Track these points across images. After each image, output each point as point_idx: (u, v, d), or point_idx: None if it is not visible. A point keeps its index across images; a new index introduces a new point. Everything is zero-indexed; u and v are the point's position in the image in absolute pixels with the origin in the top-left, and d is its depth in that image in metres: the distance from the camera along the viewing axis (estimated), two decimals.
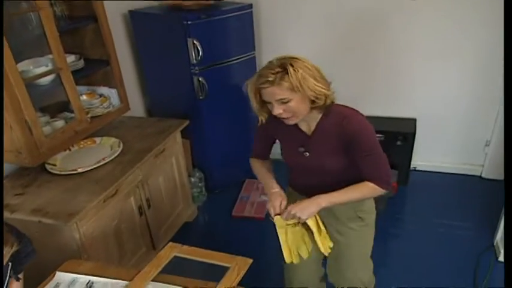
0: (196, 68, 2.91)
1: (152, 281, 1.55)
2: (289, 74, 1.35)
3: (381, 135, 3.19)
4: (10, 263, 1.29)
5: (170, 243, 1.76)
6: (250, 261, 1.55)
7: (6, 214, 1.93)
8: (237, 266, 1.53)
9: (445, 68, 3.14)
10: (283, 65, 1.36)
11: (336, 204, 1.54)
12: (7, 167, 2.27)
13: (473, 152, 3.38)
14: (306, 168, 1.63)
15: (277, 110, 1.42)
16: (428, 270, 2.55)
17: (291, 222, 1.54)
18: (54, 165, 2.30)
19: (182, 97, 3.11)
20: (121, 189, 2.25)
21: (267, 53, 3.48)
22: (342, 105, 1.54)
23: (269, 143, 1.74)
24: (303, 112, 1.45)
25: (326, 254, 1.62)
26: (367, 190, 1.53)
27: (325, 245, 1.59)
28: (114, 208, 2.23)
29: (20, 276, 1.45)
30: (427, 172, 3.55)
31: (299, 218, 1.50)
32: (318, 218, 1.56)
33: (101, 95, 2.55)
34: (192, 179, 3.25)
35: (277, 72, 1.36)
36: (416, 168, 3.55)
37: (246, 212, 3.20)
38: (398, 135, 3.17)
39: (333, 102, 1.48)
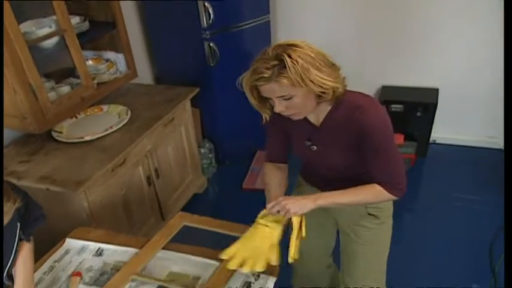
0: (207, 32, 2.88)
1: (162, 249, 1.58)
2: (287, 68, 1.19)
3: (400, 106, 3.16)
4: (19, 224, 1.33)
5: (180, 212, 1.78)
6: None
7: (13, 181, 1.97)
8: None
9: (469, 34, 3.07)
10: (279, 57, 1.20)
11: (338, 205, 1.44)
12: (11, 134, 2.30)
13: (495, 124, 3.33)
14: (314, 161, 1.54)
15: (279, 108, 1.29)
16: (443, 246, 2.56)
17: (265, 221, 1.40)
18: (61, 132, 2.33)
19: (192, 64, 3.09)
20: (129, 158, 2.28)
21: (282, 16, 3.44)
22: (357, 93, 1.38)
23: (282, 139, 1.55)
24: (309, 108, 1.31)
25: (275, 263, 1.34)
26: (373, 194, 1.39)
27: (292, 252, 1.37)
28: (122, 177, 2.26)
29: (30, 238, 1.49)
30: (447, 145, 3.53)
31: (285, 213, 1.36)
32: (303, 220, 1.40)
33: (107, 60, 2.55)
34: (202, 150, 3.27)
35: (274, 66, 1.20)
36: (436, 141, 3.53)
37: (257, 185, 3.22)
38: (419, 106, 3.14)
39: (344, 91, 1.32)
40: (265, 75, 1.21)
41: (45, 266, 1.56)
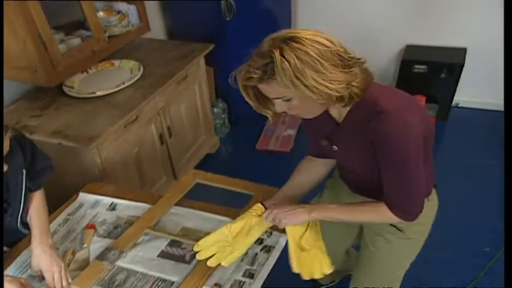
0: None
1: (175, 205, 1.63)
2: (276, 69, 1.05)
3: (423, 67, 3.12)
4: (24, 170, 1.38)
5: (193, 169, 1.83)
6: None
7: (25, 134, 2.03)
8: (262, 195, 1.58)
9: None
10: (271, 54, 1.05)
11: (337, 220, 1.31)
12: (22, 87, 2.35)
13: None
14: (338, 162, 1.44)
15: (279, 108, 1.17)
16: (456, 211, 2.57)
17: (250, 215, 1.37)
18: (72, 87, 2.37)
19: (207, 18, 3.06)
20: (141, 115, 2.31)
21: None
22: (385, 89, 1.21)
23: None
24: (315, 110, 1.18)
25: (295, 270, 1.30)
26: (378, 215, 1.26)
27: (295, 264, 1.30)
28: (134, 135, 2.30)
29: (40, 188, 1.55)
30: (470, 109, 3.50)
31: (278, 223, 1.31)
32: (300, 230, 1.33)
33: (118, 12, 2.55)
34: (215, 110, 3.29)
35: (265, 65, 1.06)
36: (459, 105, 3.49)
37: (271, 146, 3.25)
38: (444, 67, 3.10)
39: (361, 91, 1.13)
40: (254, 76, 1.08)
41: (59, 219, 1.63)
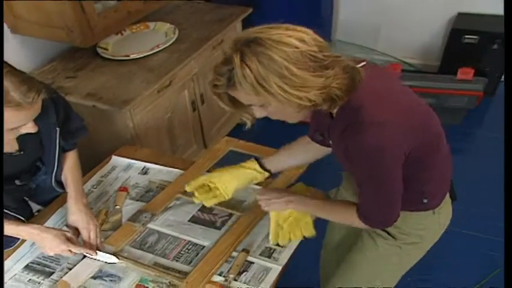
0: None
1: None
2: (236, 75, 0.99)
3: (474, 37, 3.04)
4: (58, 129, 1.45)
5: (226, 137, 1.87)
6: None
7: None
8: None
9: None
10: (232, 59, 1.00)
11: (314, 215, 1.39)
12: (57, 47, 2.43)
13: None
14: None
15: (258, 114, 1.12)
16: (490, 188, 2.48)
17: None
18: (106, 49, 2.43)
19: None
20: (175, 80, 2.36)
21: None
22: (378, 95, 1.10)
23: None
24: (294, 116, 1.11)
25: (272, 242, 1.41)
26: (346, 217, 1.27)
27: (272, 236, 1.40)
28: (167, 100, 2.36)
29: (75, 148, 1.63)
30: None
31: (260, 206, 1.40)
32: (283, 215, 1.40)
33: None
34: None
35: (229, 70, 1.01)
36: None
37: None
38: (497, 37, 3.01)
39: (344, 93, 1.04)
40: (219, 84, 1.04)
41: (93, 180, 1.72)
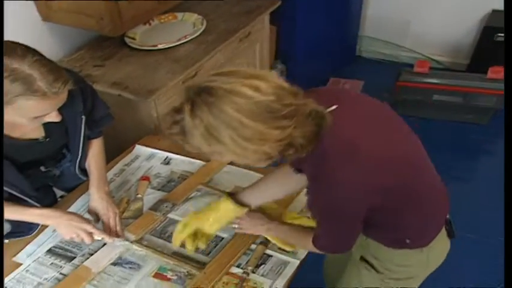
0: None
1: (228, 164, 1.69)
2: (186, 125, 0.94)
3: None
4: (84, 117, 1.46)
5: None
6: None
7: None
8: None
9: None
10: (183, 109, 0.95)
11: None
12: (86, 36, 2.46)
13: None
14: None
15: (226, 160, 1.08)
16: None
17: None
18: (134, 38, 2.45)
19: None
20: (201, 72, 2.35)
21: None
22: (338, 143, 1.01)
23: None
24: (258, 164, 1.03)
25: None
26: (305, 242, 1.25)
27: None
28: None
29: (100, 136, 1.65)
30: None
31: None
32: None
33: None
34: (273, 72, 3.29)
35: (182, 120, 0.95)
36: None
37: None
38: None
39: (307, 141, 0.97)
40: (173, 132, 0.99)
41: (115, 169, 1.74)
